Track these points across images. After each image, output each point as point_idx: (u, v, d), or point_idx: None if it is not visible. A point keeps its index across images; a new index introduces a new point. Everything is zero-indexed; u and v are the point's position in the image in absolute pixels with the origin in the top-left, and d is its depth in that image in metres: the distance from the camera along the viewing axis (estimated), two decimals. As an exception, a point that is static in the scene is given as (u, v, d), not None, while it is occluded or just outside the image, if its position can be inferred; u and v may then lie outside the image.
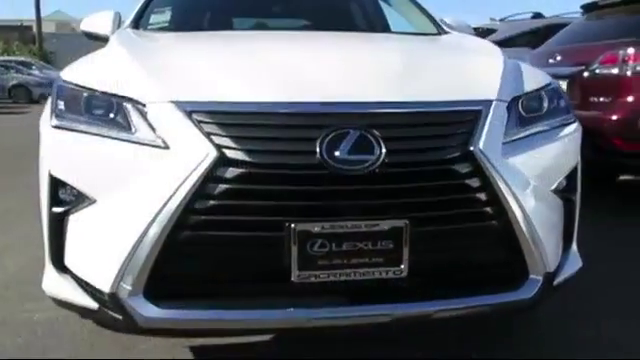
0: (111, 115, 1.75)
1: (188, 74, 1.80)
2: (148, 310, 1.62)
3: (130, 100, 1.73)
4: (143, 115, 1.70)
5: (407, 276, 1.63)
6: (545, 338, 2.26)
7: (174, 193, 1.55)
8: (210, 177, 1.55)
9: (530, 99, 1.95)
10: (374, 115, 1.65)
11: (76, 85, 1.86)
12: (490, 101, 1.78)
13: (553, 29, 6.32)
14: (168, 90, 1.70)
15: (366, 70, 1.88)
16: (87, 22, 3.06)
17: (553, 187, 1.88)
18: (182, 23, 2.89)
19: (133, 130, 1.69)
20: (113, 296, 1.65)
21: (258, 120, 1.62)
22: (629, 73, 3.95)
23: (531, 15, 7.70)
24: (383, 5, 3.55)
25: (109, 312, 1.69)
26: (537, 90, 1.99)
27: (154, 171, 1.62)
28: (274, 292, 1.63)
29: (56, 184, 1.77)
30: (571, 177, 1.97)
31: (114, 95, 1.77)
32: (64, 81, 1.92)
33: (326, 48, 2.27)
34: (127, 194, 1.64)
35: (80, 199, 1.73)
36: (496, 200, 1.67)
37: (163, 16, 2.95)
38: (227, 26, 2.88)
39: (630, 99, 3.93)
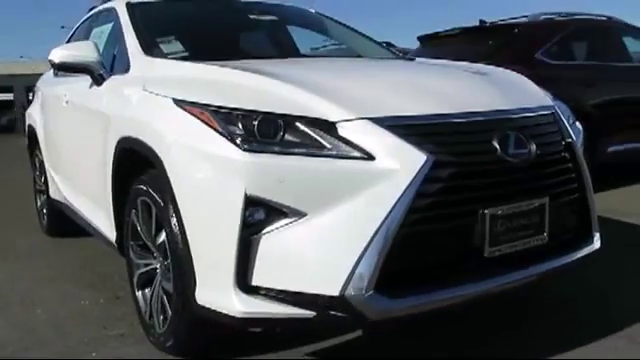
0: (292, 134, 1.88)
1: (362, 94, 2.02)
2: (382, 303, 1.81)
3: (313, 119, 1.89)
4: (332, 132, 1.87)
5: (546, 241, 2.11)
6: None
7: (402, 195, 1.79)
8: (429, 178, 1.83)
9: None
10: (518, 119, 2.11)
11: (238, 109, 1.92)
12: (553, 105, 2.37)
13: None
14: (359, 109, 1.91)
15: (478, 87, 2.31)
16: (66, 52, 2.87)
17: None
18: (208, 52, 2.88)
19: (329, 146, 1.86)
20: (341, 298, 1.79)
21: (451, 128, 1.96)
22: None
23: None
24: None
25: (332, 315, 1.82)
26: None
27: (367, 180, 1.82)
28: (472, 268, 1.96)
29: (251, 204, 1.82)
30: None
31: (291, 116, 1.90)
32: (217, 107, 1.95)
33: (420, 70, 2.71)
34: (346, 203, 1.81)
35: (282, 215, 1.83)
36: (581, 177, 2.26)
37: (174, 46, 2.91)
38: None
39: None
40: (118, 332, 2.65)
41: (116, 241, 2.77)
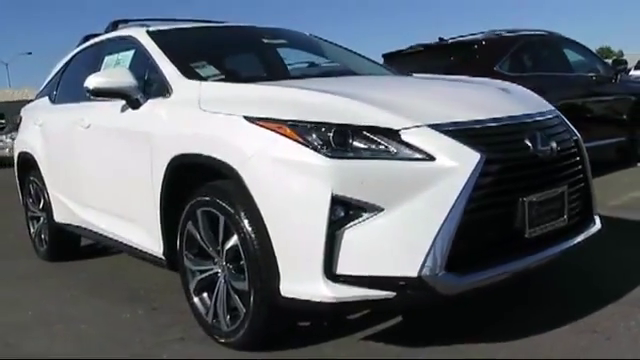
0: (362, 142, 2.19)
1: (415, 105, 2.35)
2: (451, 281, 2.14)
3: (379, 128, 2.20)
4: (397, 138, 2.19)
5: (567, 223, 2.51)
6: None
7: (463, 188, 2.12)
8: (483, 173, 2.18)
9: None
10: (540, 121, 2.52)
11: (314, 122, 2.21)
12: (556, 109, 2.80)
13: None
14: (416, 117, 2.24)
15: (502, 96, 2.70)
16: (102, 79, 3.04)
17: None
18: (241, 74, 3.11)
19: (395, 151, 2.17)
20: (419, 279, 2.10)
21: (494, 130, 2.33)
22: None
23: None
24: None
25: (410, 294, 2.12)
26: None
27: (431, 177, 2.14)
28: (516, 248, 2.32)
29: (336, 203, 2.11)
30: None
31: (360, 126, 2.21)
32: (294, 121, 2.23)
33: (448, 84, 3.06)
34: (416, 198, 2.12)
35: (363, 211, 2.13)
36: (584, 168, 2.68)
37: (209, 70, 3.13)
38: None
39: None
40: (176, 337, 2.82)
41: (164, 254, 2.95)
